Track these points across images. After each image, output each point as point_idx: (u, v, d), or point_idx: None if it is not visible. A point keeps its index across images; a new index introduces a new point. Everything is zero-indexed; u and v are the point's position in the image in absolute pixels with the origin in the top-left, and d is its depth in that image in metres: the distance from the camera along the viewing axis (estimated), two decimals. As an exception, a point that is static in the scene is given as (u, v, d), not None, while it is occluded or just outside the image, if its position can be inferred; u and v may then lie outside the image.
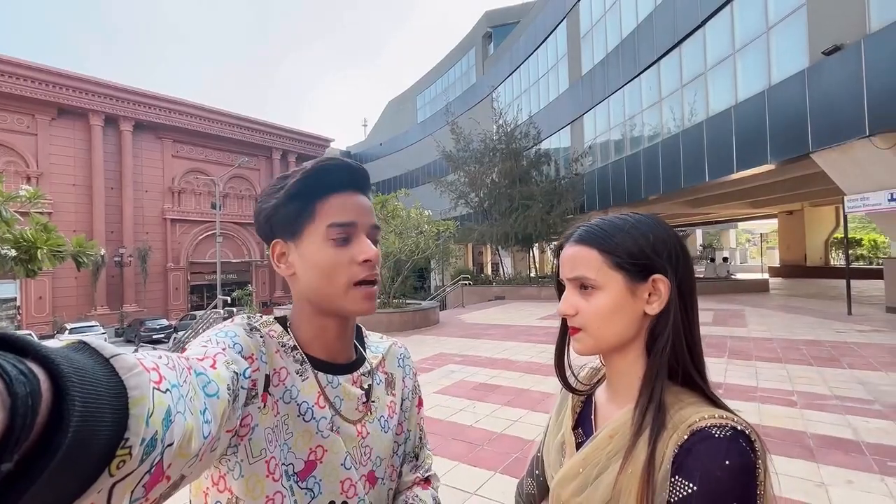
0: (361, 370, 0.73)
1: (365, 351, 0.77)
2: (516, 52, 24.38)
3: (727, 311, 10.56)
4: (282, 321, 0.69)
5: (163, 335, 19.89)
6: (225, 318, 9.51)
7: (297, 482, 0.60)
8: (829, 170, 8.90)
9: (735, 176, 11.59)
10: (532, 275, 20.51)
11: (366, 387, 0.72)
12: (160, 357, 0.39)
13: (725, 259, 19.89)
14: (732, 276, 17.60)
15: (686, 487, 0.52)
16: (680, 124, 13.37)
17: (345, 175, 0.67)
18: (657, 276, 0.61)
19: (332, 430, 0.65)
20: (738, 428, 0.53)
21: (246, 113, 33.86)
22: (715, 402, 0.58)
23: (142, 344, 15.72)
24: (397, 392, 0.78)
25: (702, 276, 18.98)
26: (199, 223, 30.56)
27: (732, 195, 16.04)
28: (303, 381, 0.64)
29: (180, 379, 0.39)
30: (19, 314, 23.09)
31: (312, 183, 0.65)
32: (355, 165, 0.68)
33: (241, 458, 0.57)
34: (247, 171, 33.09)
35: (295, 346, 0.66)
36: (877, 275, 10.31)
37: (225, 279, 23.00)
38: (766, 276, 19.77)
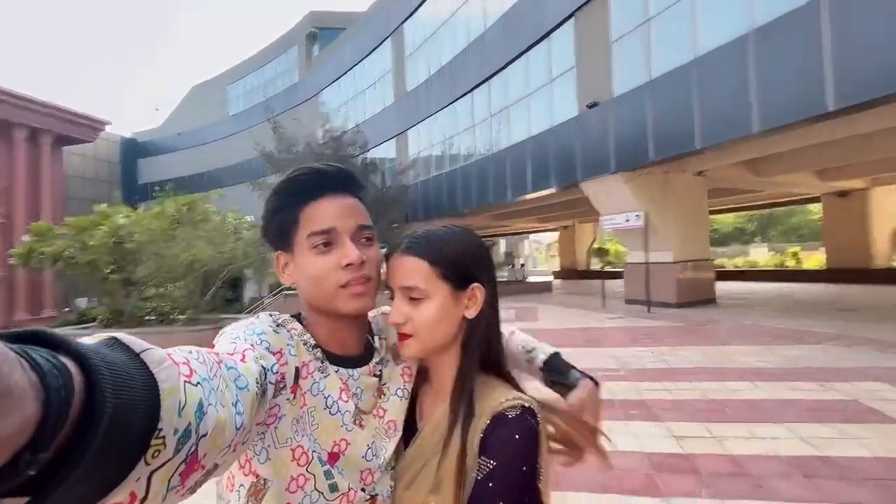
0: (374, 359, 0.74)
1: (374, 339, 0.78)
2: (342, 58, 24.30)
3: (524, 308, 12.64)
4: (298, 319, 0.71)
5: None
6: None
7: (329, 468, 0.62)
8: (591, 196, 11.61)
9: (529, 196, 13.99)
10: (359, 282, 20.59)
11: (378, 372, 0.74)
12: (190, 352, 0.40)
13: (522, 265, 23.72)
14: (527, 279, 21.07)
15: (488, 464, 0.62)
16: (490, 148, 15.45)
17: (319, 181, 0.68)
18: (475, 284, 0.70)
19: (355, 424, 0.67)
20: (526, 405, 0.64)
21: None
22: (512, 383, 0.70)
23: None
24: (407, 360, 0.79)
25: (505, 278, 22.12)
26: None
27: (527, 211, 19.27)
28: (324, 377, 0.66)
29: (210, 373, 0.41)
30: None
31: (289, 195, 0.68)
32: (329, 169, 0.70)
33: (268, 443, 0.59)
34: (-33, 151, 24.10)
35: (315, 344, 0.68)
36: (621, 276, 13.81)
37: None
38: (550, 278, 24.27)
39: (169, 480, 0.33)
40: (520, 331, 0.92)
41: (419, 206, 19.21)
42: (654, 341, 7.10)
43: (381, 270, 0.74)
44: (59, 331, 0.28)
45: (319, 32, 29.55)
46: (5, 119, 26.27)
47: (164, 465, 0.31)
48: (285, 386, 0.60)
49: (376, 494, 0.68)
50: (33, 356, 0.24)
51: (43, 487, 0.25)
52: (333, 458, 0.64)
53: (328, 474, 0.62)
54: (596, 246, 26.46)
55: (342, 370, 0.69)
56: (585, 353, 6.51)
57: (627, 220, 10.52)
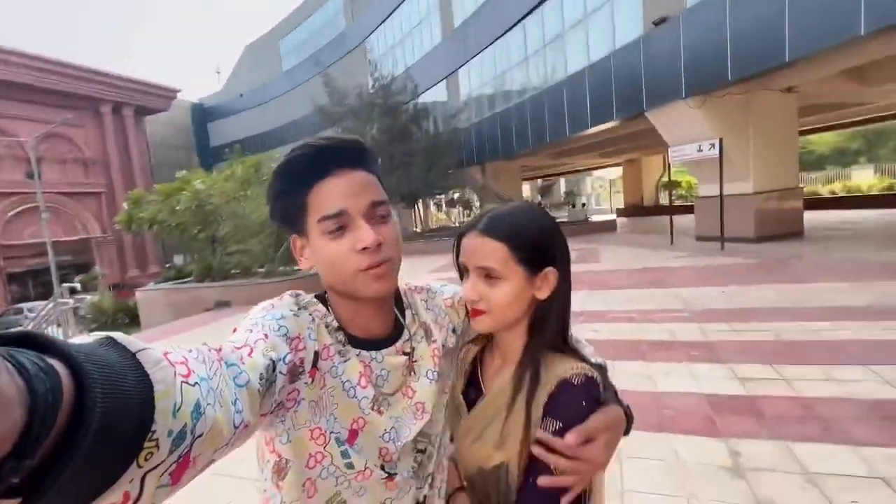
0: (404, 337, 0.73)
1: (404, 317, 0.76)
2: (386, -1, 23.34)
3: (586, 250, 12.32)
4: (323, 300, 0.70)
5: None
6: (75, 308, 7.96)
7: (347, 448, 0.63)
8: (658, 126, 10.66)
9: (590, 131, 13.15)
10: (417, 230, 21.06)
11: (409, 350, 0.73)
12: (190, 351, 0.41)
13: (584, 205, 22.81)
14: (589, 219, 20.33)
15: (554, 424, 0.66)
16: (544, 81, 14.50)
17: (323, 158, 0.63)
18: (549, 269, 0.72)
19: (372, 409, 0.66)
20: (589, 375, 0.68)
21: (60, 56, 26.86)
22: (577, 354, 0.73)
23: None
24: (437, 337, 0.77)
25: (566, 219, 21.51)
26: (6, 196, 24.45)
27: (588, 147, 18.18)
28: (344, 362, 0.65)
29: (210, 371, 0.41)
30: None
31: (292, 177, 0.64)
32: (331, 143, 0.64)
33: (288, 426, 0.60)
34: (69, 130, 26.87)
35: (339, 327, 0.67)
36: (692, 211, 12.90)
37: (59, 261, 19.15)
38: (614, 216, 23.21)
39: (159, 479, 0.33)
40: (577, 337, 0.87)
41: (473, 149, 18.82)
42: (726, 280, 6.69)
43: (400, 242, 0.71)
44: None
45: (362, -29, 28.39)
46: (93, 96, 28.80)
47: (156, 466, 0.31)
48: (303, 371, 0.60)
49: (395, 474, 0.68)
50: (20, 360, 0.24)
51: (36, 488, 0.24)
52: (353, 435, 0.64)
53: (345, 454, 0.63)
54: (665, 179, 24.65)
55: (364, 353, 0.68)
56: (648, 294, 6.32)
57: (700, 150, 9.61)
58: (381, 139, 18.51)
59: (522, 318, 0.74)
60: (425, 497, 0.73)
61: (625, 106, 11.26)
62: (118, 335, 0.33)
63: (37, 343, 0.27)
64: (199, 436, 0.35)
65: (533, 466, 0.67)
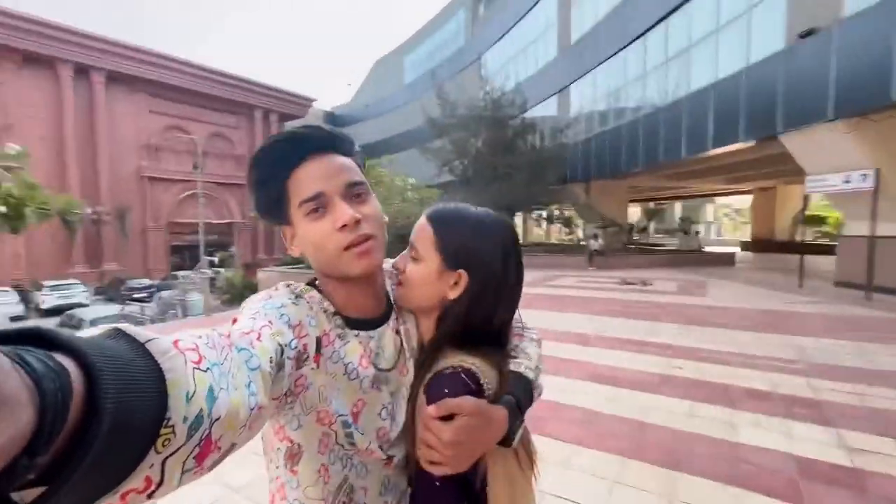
0: (393, 316, 0.76)
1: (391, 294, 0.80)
2: (506, 16, 23.85)
3: (691, 282, 11.22)
4: (315, 286, 0.71)
5: (145, 294, 19.92)
6: (211, 279, 9.57)
7: (352, 429, 0.66)
8: (794, 151, 9.36)
9: (711, 153, 11.99)
10: (513, 243, 20.96)
11: (400, 328, 0.76)
12: (200, 337, 0.41)
13: (697, 233, 20.68)
14: (702, 249, 18.40)
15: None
16: (662, 99, 13.60)
17: (297, 145, 0.66)
18: (462, 271, 0.72)
19: (372, 387, 0.69)
20: (465, 366, 0.67)
21: (225, 69, 32.31)
22: (479, 354, 0.71)
23: (126, 302, 15.79)
24: (412, 320, 0.80)
25: (674, 247, 19.73)
26: (178, 182, 29.93)
27: (709, 171, 16.53)
28: (345, 344, 0.67)
29: (221, 357, 0.41)
30: (-6, 271, 22.68)
31: (268, 165, 0.66)
32: (305, 131, 0.66)
33: (298, 412, 0.62)
34: (227, 130, 32.30)
35: (335, 311, 0.69)
36: (833, 251, 11.04)
37: (207, 240, 22.89)
38: (734, 249, 20.67)
39: (184, 464, 0.34)
40: (535, 346, 0.85)
41: (578, 166, 18.27)
42: (862, 334, 5.65)
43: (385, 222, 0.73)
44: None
45: (486, -9, 29.41)
46: (249, 103, 34.00)
47: (176, 451, 0.32)
48: (308, 357, 0.61)
49: (393, 456, 0.70)
50: (28, 359, 0.24)
51: (52, 480, 0.25)
52: (354, 418, 0.67)
53: (349, 435, 0.65)
54: (807, 213, 21.36)
55: (362, 334, 0.70)
56: (755, 338, 5.60)
57: (847, 181, 8.23)
58: (486, 151, 18.91)
59: (431, 309, 0.76)
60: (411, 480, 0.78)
61: (754, 127, 10.08)
62: (126, 326, 0.34)
63: (45, 339, 0.28)
64: (217, 419, 0.36)
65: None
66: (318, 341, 0.64)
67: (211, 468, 0.38)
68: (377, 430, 0.69)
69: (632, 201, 26.97)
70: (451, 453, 0.61)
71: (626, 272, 13.63)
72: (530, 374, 0.75)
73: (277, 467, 0.67)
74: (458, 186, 21.15)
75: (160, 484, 0.32)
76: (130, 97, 28.19)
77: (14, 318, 14.63)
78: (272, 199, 0.68)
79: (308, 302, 0.66)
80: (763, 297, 8.81)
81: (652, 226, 26.59)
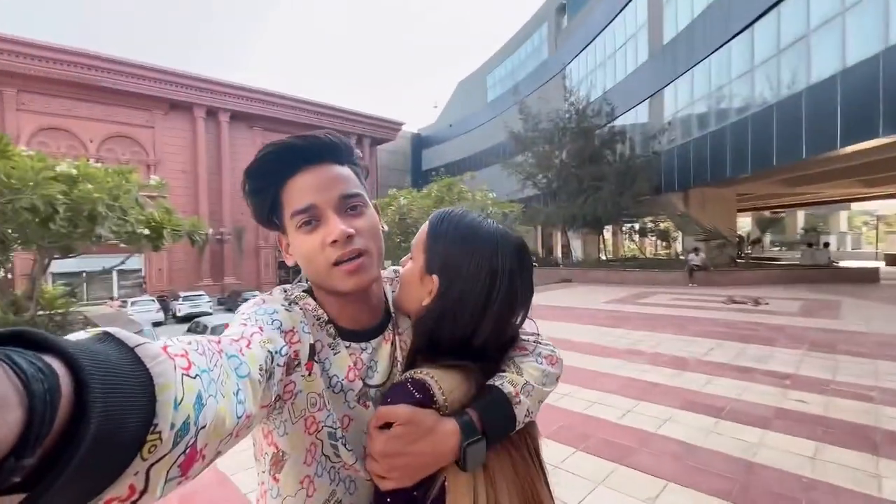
0: (390, 327, 0.74)
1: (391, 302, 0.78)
2: (591, 24, 23.16)
3: (818, 302, 9.62)
4: (312, 294, 0.69)
5: (256, 305, 22.28)
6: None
7: (337, 441, 0.63)
8: (959, 143, 7.68)
9: (841, 151, 10.35)
10: (602, 258, 19.89)
11: (396, 338, 0.74)
12: (189, 343, 0.40)
13: (826, 245, 17.73)
14: (834, 264, 15.74)
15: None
16: (774, 94, 12.10)
17: (291, 155, 0.64)
18: (434, 276, 0.68)
19: (358, 402, 0.66)
20: (415, 377, 0.63)
21: (324, 100, 35.66)
22: (457, 369, 0.66)
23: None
24: (405, 331, 0.77)
25: (797, 262, 17.18)
26: (285, 205, 33.27)
27: (839, 172, 14.24)
28: (334, 354, 0.66)
29: (210, 363, 0.40)
30: (144, 283, 27.14)
31: (262, 175, 0.64)
32: (299, 141, 0.64)
33: (285, 418, 0.60)
34: (326, 156, 35.28)
35: (328, 320, 0.67)
36: None
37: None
38: (878, 264, 17.38)
39: (168, 472, 0.33)
40: (541, 362, 0.76)
41: (674, 174, 16.88)
42: None
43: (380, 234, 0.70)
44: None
45: (569, 2, 28.94)
46: (347, 130, 37.06)
47: (162, 458, 0.31)
48: (299, 363, 0.60)
49: None
50: (16, 360, 0.24)
51: (37, 485, 0.25)
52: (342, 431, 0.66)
53: (335, 446, 0.63)
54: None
55: (354, 345, 0.68)
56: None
57: None
58: (570, 163, 18.34)
59: (412, 312, 0.72)
60: None
61: (900, 118, 8.50)
62: (115, 330, 0.33)
63: (34, 341, 0.28)
64: (203, 427, 0.36)
65: None
66: (312, 348, 0.62)
67: (194, 477, 0.38)
68: (364, 447, 0.65)
69: (741, 210, 24.19)
70: (385, 464, 0.58)
71: (734, 290, 12.14)
72: (508, 388, 0.66)
73: (263, 472, 0.65)
74: (542, 200, 20.73)
75: (143, 492, 0.31)
76: (248, 132, 32.31)
77: (156, 324, 17.32)
78: (266, 208, 0.66)
79: (302, 309, 0.65)
80: (919, 321, 7.24)
81: (767, 238, 23.43)
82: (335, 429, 0.63)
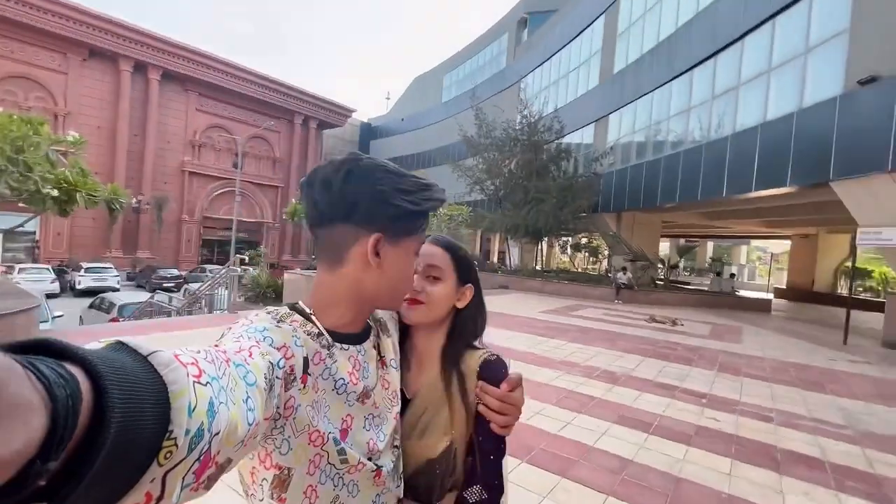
0: (372, 334, 0.79)
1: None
2: (550, 41, 24.06)
3: (724, 327, 10.73)
4: (297, 310, 0.70)
5: (172, 284, 20.42)
6: (240, 277, 9.64)
7: (343, 446, 0.65)
8: (846, 200, 8.93)
9: (753, 194, 11.61)
10: (538, 267, 20.69)
11: (384, 344, 0.81)
12: (198, 352, 0.41)
13: (732, 275, 19.92)
14: (736, 293, 17.68)
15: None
16: (705, 135, 13.32)
17: (443, 201, 0.77)
18: (469, 285, 0.93)
19: (357, 401, 0.70)
20: (496, 355, 0.88)
21: (269, 73, 33.53)
22: (477, 348, 0.91)
23: (156, 290, 16.22)
24: (392, 331, 0.86)
25: (706, 288, 19.05)
26: (216, 179, 30.97)
27: (749, 212, 16.01)
28: (334, 361, 0.68)
29: (219, 371, 0.41)
30: (37, 248, 23.80)
31: (433, 204, 0.73)
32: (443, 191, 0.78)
33: (288, 435, 0.60)
34: (267, 133, 33.27)
35: (319, 332, 0.68)
36: (881, 308, 10.39)
37: (237, 237, 23.49)
38: (770, 296, 19.81)
39: (183, 478, 0.34)
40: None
41: (611, 196, 18.00)
42: (919, 405, 5.21)
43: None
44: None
45: (530, 17, 29.85)
46: (292, 109, 35.11)
47: (177, 464, 0.32)
48: (295, 378, 0.60)
49: (381, 466, 0.71)
50: (39, 367, 0.25)
51: (56, 493, 0.25)
52: (344, 433, 0.67)
53: (341, 451, 0.65)
54: (848, 265, 20.36)
55: (351, 348, 0.72)
56: (799, 395, 5.24)
57: (904, 237, 7.77)
58: (518, 173, 18.87)
59: (444, 320, 0.91)
60: (399, 500, 0.78)
61: (803, 172, 9.72)
62: (127, 339, 0.34)
63: (53, 350, 0.29)
64: (217, 433, 0.37)
65: (481, 426, 0.84)
66: (306, 361, 0.63)
67: (208, 485, 0.38)
68: (368, 443, 0.70)
69: (663, 236, 26.38)
70: (520, 412, 0.84)
71: (654, 309, 13.19)
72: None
73: (262, 500, 0.63)
74: (488, 206, 21.13)
75: (160, 499, 0.32)
76: (181, 95, 29.56)
77: (49, 296, 15.23)
78: (415, 223, 0.73)
79: (291, 325, 0.65)
80: (804, 350, 8.32)
81: (681, 263, 25.80)
82: (337, 433, 0.66)
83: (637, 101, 16.72)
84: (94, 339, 0.34)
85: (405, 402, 0.85)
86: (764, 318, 13.81)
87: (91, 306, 12.04)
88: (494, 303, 12.33)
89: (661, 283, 17.75)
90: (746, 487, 2.94)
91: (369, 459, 0.70)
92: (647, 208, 16.40)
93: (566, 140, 20.15)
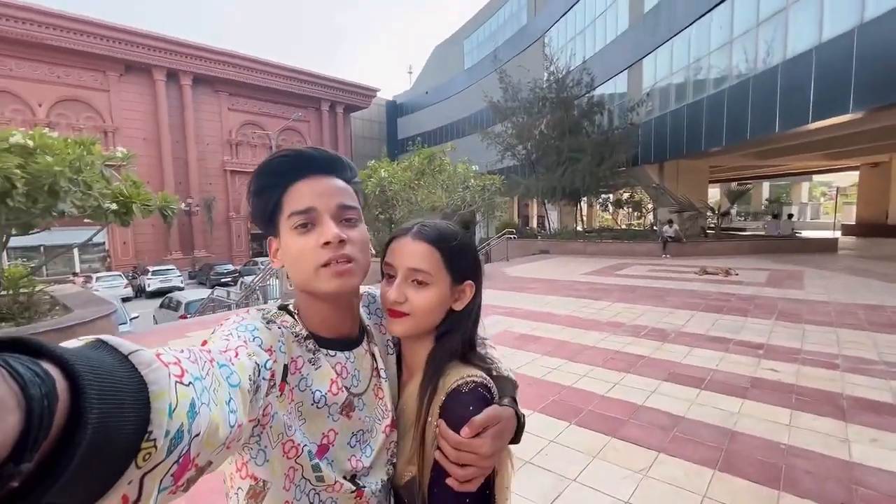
0: (367, 339, 0.76)
1: (365, 319, 0.80)
2: (572, -13, 22.57)
3: (783, 272, 10.13)
4: (287, 310, 0.70)
5: (230, 279, 21.70)
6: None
7: (318, 462, 0.63)
8: (922, 120, 8.01)
9: (811, 126, 10.65)
10: (579, 229, 20.20)
11: (373, 351, 0.76)
12: (182, 351, 0.41)
13: (790, 216, 18.52)
14: (797, 234, 16.50)
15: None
16: (751, 68, 12.24)
17: (300, 163, 0.67)
18: (469, 282, 0.75)
19: (341, 414, 0.68)
20: (478, 381, 0.70)
21: (292, 63, 33.87)
22: (476, 363, 0.74)
23: (215, 286, 17.35)
24: (378, 340, 0.79)
25: (762, 233, 17.93)
26: (256, 174, 32.08)
27: (806, 146, 14.74)
28: (316, 369, 0.66)
29: (203, 371, 0.41)
30: (108, 257, 25.98)
31: (269, 175, 0.67)
32: (310, 152, 0.69)
33: (265, 444, 0.58)
34: (297, 124, 33.97)
35: (308, 335, 0.67)
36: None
37: (282, 229, 24.41)
38: (837, 234, 18.35)
39: (161, 481, 0.33)
40: (491, 346, 0.86)
41: (651, 146, 17.08)
42: None
43: (371, 251, 0.74)
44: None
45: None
46: (317, 96, 35.48)
47: (156, 466, 0.31)
48: (275, 384, 0.59)
49: (363, 487, 0.67)
50: (14, 365, 0.24)
51: (30, 495, 0.24)
52: (322, 450, 0.65)
53: (315, 467, 0.62)
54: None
55: (339, 354, 0.70)
56: (870, 338, 4.92)
57: None
58: (550, 134, 18.24)
59: (434, 329, 0.75)
60: None
61: (869, 94, 8.76)
62: (109, 337, 0.33)
63: (30, 348, 0.28)
64: (197, 435, 0.36)
65: (437, 473, 0.67)
66: (285, 368, 0.62)
67: (187, 488, 0.38)
68: (349, 460, 0.67)
69: (711, 182, 24.86)
70: (489, 464, 0.66)
71: (705, 260, 12.62)
72: (512, 377, 0.79)
73: None
74: (521, 171, 20.67)
75: (136, 502, 0.31)
76: (212, 97, 30.56)
77: (124, 300, 16.70)
78: (266, 209, 0.68)
79: (280, 327, 0.65)
80: (876, 290, 7.73)
81: (734, 209, 24.30)
82: (313, 447, 0.63)
83: (672, 39, 15.52)
84: (168, 337, 0.38)
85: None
86: (829, 259, 12.87)
87: (161, 306, 13.11)
88: (534, 269, 12.25)
89: (712, 232, 16.85)
90: (808, 437, 2.86)
91: (353, 478, 0.66)
92: (692, 155, 15.45)
93: (598, 92, 19.14)
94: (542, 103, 18.23)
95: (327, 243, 0.64)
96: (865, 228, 20.84)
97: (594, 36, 20.75)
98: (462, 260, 0.75)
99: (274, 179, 0.67)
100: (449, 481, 0.65)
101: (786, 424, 3.03)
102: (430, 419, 0.69)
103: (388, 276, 0.76)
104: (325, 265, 0.65)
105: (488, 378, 0.72)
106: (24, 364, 0.25)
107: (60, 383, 0.26)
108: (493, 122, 21.92)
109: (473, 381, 0.70)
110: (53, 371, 0.26)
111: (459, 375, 0.71)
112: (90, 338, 0.33)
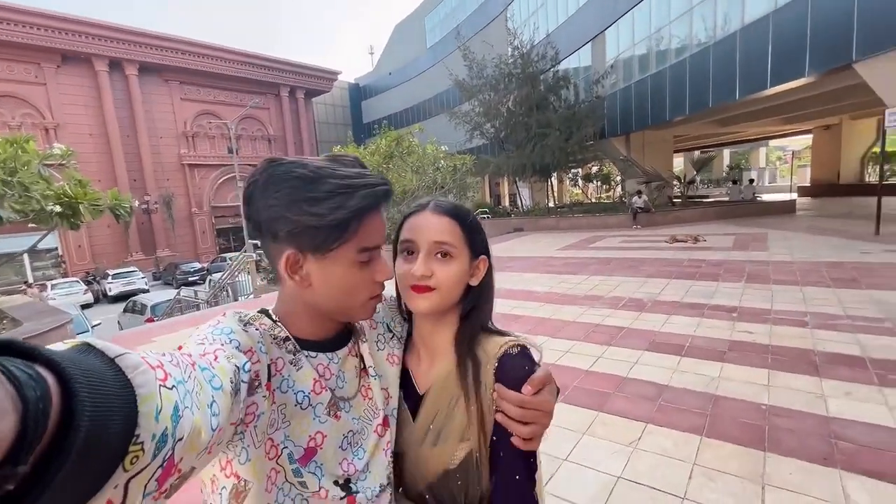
0: (353, 340, 0.74)
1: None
2: (532, -41, 22.18)
3: (748, 235, 10.48)
4: (267, 314, 0.67)
5: (197, 277, 20.90)
6: (258, 262, 9.69)
7: (299, 467, 0.61)
8: (872, 80, 8.30)
9: (769, 91, 10.90)
10: (550, 205, 20.36)
11: (360, 350, 0.75)
12: (163, 355, 0.41)
13: (752, 181, 19.19)
14: (758, 198, 17.13)
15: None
16: (711, 36, 12.39)
17: (381, 197, 0.64)
18: (483, 257, 0.78)
19: (329, 415, 0.66)
20: (522, 343, 0.73)
21: (247, 49, 32.25)
22: (501, 333, 0.77)
23: (181, 286, 16.66)
24: (368, 336, 0.78)
25: (726, 199, 18.52)
26: (216, 167, 30.73)
27: (764, 112, 15.18)
28: (297, 370, 0.65)
29: (185, 375, 0.41)
30: (63, 263, 24.51)
31: (354, 211, 0.61)
32: (385, 183, 0.65)
33: (248, 443, 0.57)
34: (257, 112, 32.43)
35: (287, 336, 0.65)
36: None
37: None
38: (794, 196, 19.16)
39: (146, 486, 0.33)
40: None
41: (617, 118, 17.21)
42: (961, 286, 5.05)
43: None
44: None
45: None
46: (275, 82, 33.97)
47: (141, 471, 0.31)
48: (260, 384, 0.57)
49: (356, 493, 0.65)
50: (8, 368, 0.24)
51: (20, 500, 0.24)
52: (310, 453, 0.63)
53: (296, 472, 0.61)
54: (875, 150, 19.40)
55: (321, 356, 0.68)
56: (833, 294, 5.13)
57: (938, 112, 7.24)
58: (517, 111, 18.09)
59: (457, 302, 0.76)
60: None
61: (823, 58, 9.00)
62: (95, 341, 0.33)
63: (21, 351, 0.28)
64: (180, 439, 0.36)
65: (500, 437, 0.69)
66: (269, 369, 0.60)
67: (169, 494, 0.37)
68: (340, 464, 0.65)
69: (676, 151, 25.43)
70: (549, 420, 0.68)
71: (674, 229, 12.94)
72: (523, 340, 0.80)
73: None
74: (490, 150, 20.53)
75: None
76: (163, 87, 28.80)
77: (84, 306, 15.83)
78: (328, 237, 0.61)
79: (258, 329, 0.62)
80: (835, 247, 8.09)
81: (698, 177, 24.97)
82: (294, 449, 0.62)
83: (633, 9, 15.52)
84: (134, 343, 0.31)
85: (417, 402, 0.76)
86: (789, 220, 13.42)
87: (126, 310, 12.46)
88: (511, 247, 12.24)
89: (679, 200, 17.28)
90: (787, 396, 2.92)
91: (346, 482, 0.65)
92: (657, 125, 15.68)
93: (563, 66, 19.05)
94: (508, 79, 18.01)
95: (386, 280, 0.68)
96: (819, 189, 21.84)
97: (556, 8, 20.54)
98: (478, 235, 0.77)
99: (356, 213, 0.61)
100: (513, 440, 0.67)
101: (765, 385, 3.10)
102: (481, 389, 0.70)
103: (406, 253, 0.75)
104: (373, 297, 0.68)
105: (525, 341, 0.74)
106: (19, 367, 0.25)
107: (53, 386, 0.26)
108: (459, 101, 21.58)
109: (519, 344, 0.72)
110: (46, 374, 0.26)
111: (499, 343, 0.73)
112: (76, 341, 0.33)
